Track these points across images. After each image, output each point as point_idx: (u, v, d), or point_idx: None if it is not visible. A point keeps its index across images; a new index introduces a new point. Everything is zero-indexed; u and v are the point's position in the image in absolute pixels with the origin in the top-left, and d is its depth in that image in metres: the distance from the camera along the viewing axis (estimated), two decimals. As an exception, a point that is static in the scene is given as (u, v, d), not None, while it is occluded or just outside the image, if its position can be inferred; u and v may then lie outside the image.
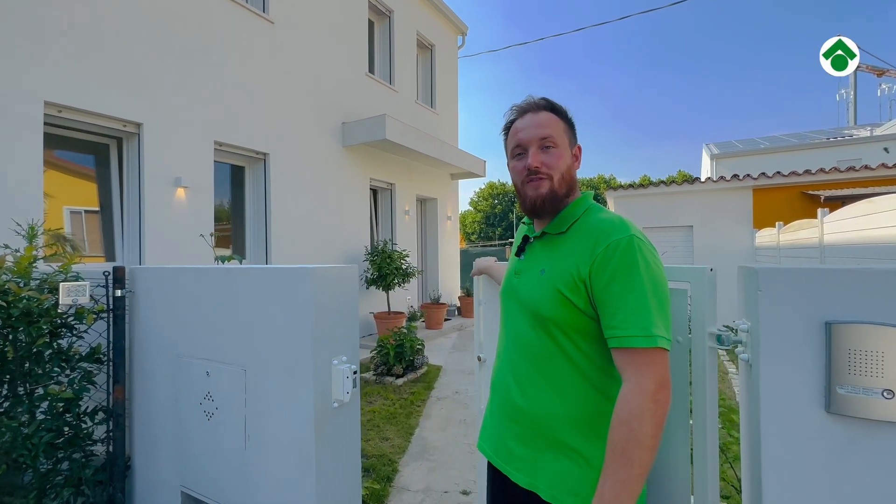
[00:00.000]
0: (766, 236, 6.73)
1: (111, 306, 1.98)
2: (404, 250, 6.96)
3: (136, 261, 4.25)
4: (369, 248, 7.00)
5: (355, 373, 1.59)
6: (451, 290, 9.51)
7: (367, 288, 6.75)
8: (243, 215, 5.60)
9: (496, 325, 1.27)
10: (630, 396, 0.83)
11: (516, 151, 1.07)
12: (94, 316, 1.94)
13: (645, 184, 8.52)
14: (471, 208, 46.46)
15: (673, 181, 8.25)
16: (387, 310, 6.80)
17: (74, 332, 1.96)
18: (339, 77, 6.67)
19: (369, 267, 6.62)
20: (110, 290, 1.97)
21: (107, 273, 1.97)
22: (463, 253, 16.23)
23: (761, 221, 7.55)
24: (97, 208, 4.34)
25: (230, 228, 5.60)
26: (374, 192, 7.85)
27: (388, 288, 6.57)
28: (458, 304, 9.25)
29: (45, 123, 3.70)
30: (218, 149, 5.00)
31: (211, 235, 3.00)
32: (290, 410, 1.53)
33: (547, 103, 1.08)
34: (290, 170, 5.80)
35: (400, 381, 4.88)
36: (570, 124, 1.09)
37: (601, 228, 0.95)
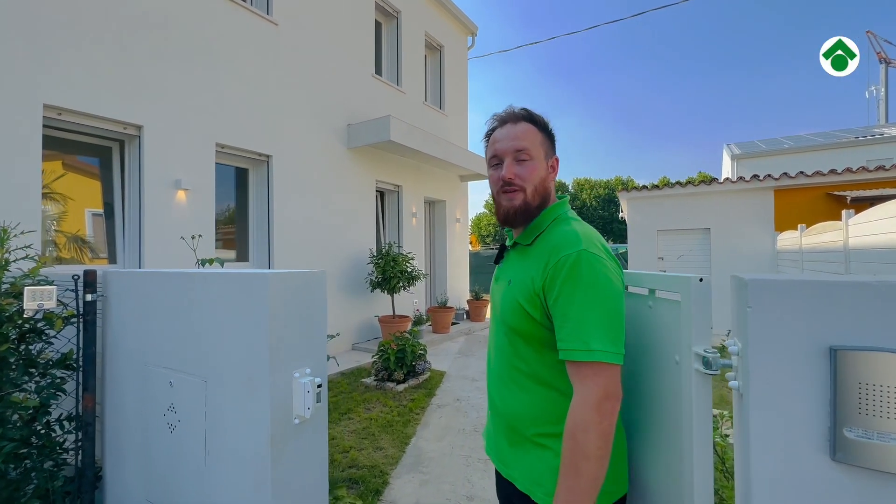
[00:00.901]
0: (787, 239, 6.42)
1: (81, 311, 1.92)
2: (410, 253, 6.86)
3: (135, 263, 4.25)
4: (375, 251, 6.92)
5: (320, 387, 1.48)
6: (459, 293, 9.37)
7: (372, 291, 6.67)
8: (247, 218, 5.58)
9: None
10: (576, 408, 0.87)
11: (493, 161, 1.10)
12: (63, 321, 1.88)
13: (660, 185, 8.25)
14: (486, 210, 46.25)
15: (690, 182, 7.96)
16: (391, 313, 6.71)
17: (44, 338, 1.90)
18: (344, 78, 6.62)
19: (373, 270, 6.54)
20: (80, 294, 1.91)
21: (76, 277, 1.91)
22: (474, 255, 16.09)
23: (783, 224, 7.22)
24: (101, 211, 4.35)
25: (234, 231, 5.59)
26: (381, 194, 7.78)
27: (392, 291, 6.47)
28: (467, 308, 9.10)
29: (45, 126, 3.71)
30: (220, 151, 4.98)
31: (193, 238, 2.93)
32: (247, 426, 1.42)
33: (526, 114, 1.09)
34: (293, 172, 5.76)
35: (401, 388, 4.76)
36: (548, 135, 1.10)
37: (555, 243, 0.97)
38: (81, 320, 1.92)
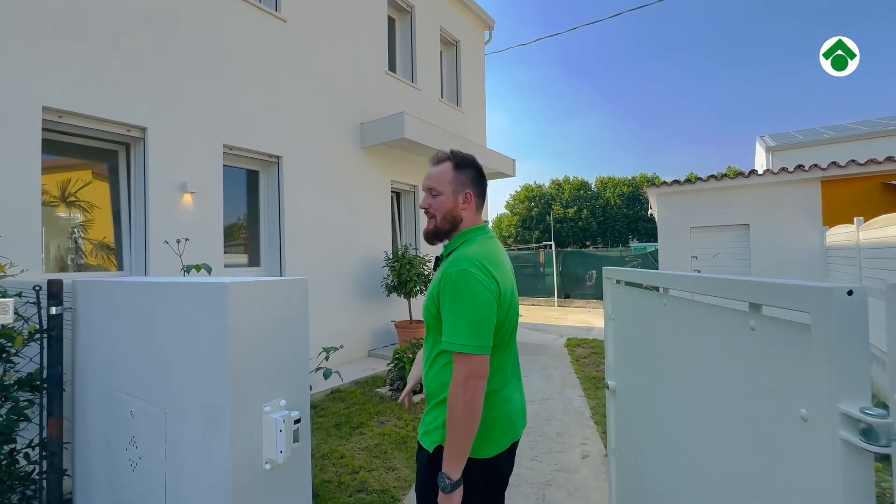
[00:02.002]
0: (840, 235, 5.84)
1: (44, 326, 1.70)
2: (427, 255, 6.58)
3: (141, 271, 4.10)
4: (391, 253, 6.68)
5: (298, 422, 1.20)
6: (480, 296, 9.03)
7: (388, 295, 6.42)
8: (258, 221, 5.41)
9: (630, 345, 1.35)
10: (451, 385, 1.17)
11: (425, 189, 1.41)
12: (25, 338, 1.66)
13: (692, 179, 7.72)
14: (507, 211, 45.69)
15: (726, 174, 7.41)
16: (408, 318, 6.44)
17: (3, 357, 1.69)
18: (356, 76, 6.41)
19: (389, 273, 6.28)
20: (43, 307, 1.69)
21: (38, 287, 1.69)
22: (496, 257, 15.75)
23: (832, 218, 6.61)
24: (110, 217, 4.24)
25: (245, 235, 5.43)
26: (397, 194, 7.53)
27: (409, 295, 6.20)
28: (488, 312, 8.76)
29: (45, 129, 3.59)
30: (228, 152, 4.82)
31: (179, 242, 2.71)
32: (207, 471, 1.15)
33: (449, 157, 1.39)
34: (305, 173, 5.57)
35: (417, 398, 4.47)
36: (465, 171, 1.38)
37: (451, 261, 1.25)
38: (46, 336, 1.70)
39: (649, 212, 10.07)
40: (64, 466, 1.80)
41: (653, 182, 7.92)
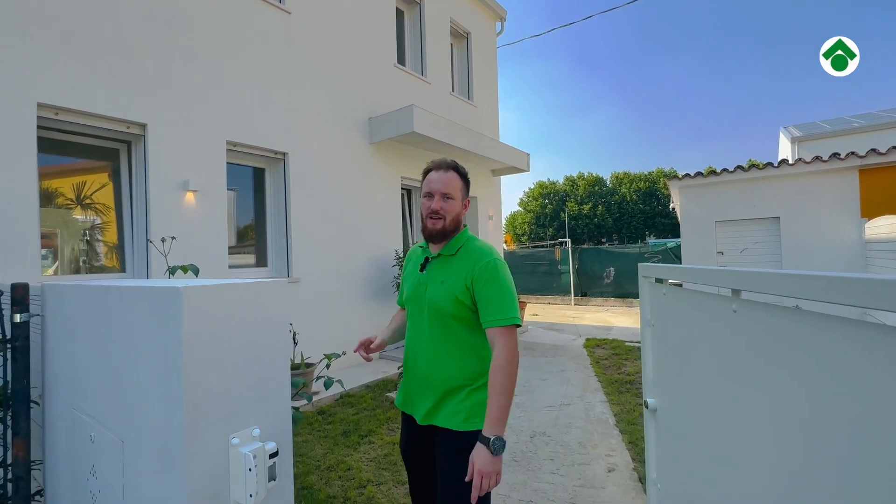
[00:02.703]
0: (882, 227, 5.42)
1: (7, 335, 1.52)
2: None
3: (143, 273, 3.97)
4: (401, 252, 6.47)
5: (275, 455, 0.98)
6: (494, 295, 8.77)
7: (399, 295, 6.21)
8: (265, 221, 5.26)
9: (678, 358, 1.23)
10: (502, 353, 1.36)
11: (427, 194, 1.54)
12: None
13: (717, 171, 7.33)
14: (520, 209, 45.17)
15: (753, 165, 7.00)
16: (421, 319, 6.22)
17: (-37, 370, 1.52)
18: (364, 69, 6.21)
19: (400, 273, 6.07)
20: (4, 314, 1.52)
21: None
22: (510, 255, 15.43)
23: (871, 209, 6.17)
24: (114, 217, 4.12)
25: (253, 235, 5.28)
26: (408, 191, 7.33)
27: (420, 295, 5.98)
28: (503, 311, 8.51)
29: (41, 127, 3.48)
30: (232, 149, 4.67)
31: (163, 241, 2.54)
32: (164, 519, 0.94)
33: (453, 165, 1.56)
34: (311, 170, 5.40)
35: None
36: (466, 182, 1.58)
37: (477, 254, 1.48)
38: (9, 347, 1.52)
39: (671, 206, 9.67)
40: (40, 486, 1.63)
41: (674, 175, 7.56)
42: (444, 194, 1.49)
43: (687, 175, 7.48)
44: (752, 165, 6.95)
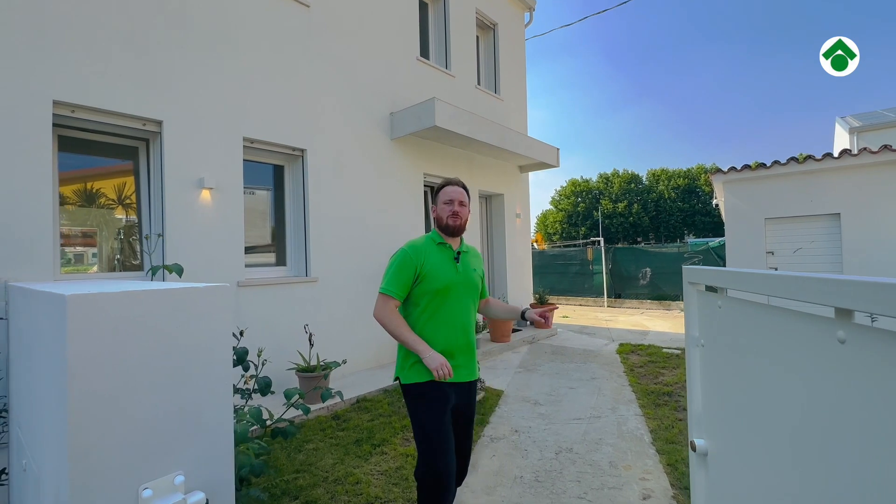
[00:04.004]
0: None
1: (-35, 341, 1.39)
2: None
3: (158, 274, 3.92)
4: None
5: (202, 510, 0.76)
6: (520, 296, 8.44)
7: (421, 296, 6.00)
8: (284, 219, 5.17)
9: (735, 388, 0.97)
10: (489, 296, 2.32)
11: (448, 201, 2.03)
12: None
13: (766, 164, 6.72)
14: (552, 207, 44.21)
15: (809, 157, 6.36)
16: (443, 321, 5.99)
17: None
18: (385, 63, 6.04)
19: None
20: (-38, 317, 1.39)
21: (-45, 294, 1.38)
22: (540, 255, 14.96)
23: (952, 204, 5.46)
24: (135, 217, 4.11)
25: (272, 234, 5.20)
26: (431, 188, 7.11)
27: (443, 296, 5.75)
28: (530, 313, 8.15)
29: (57, 125, 3.47)
30: (249, 146, 4.59)
31: (147, 238, 2.41)
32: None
33: (463, 184, 2.10)
34: (330, 166, 5.27)
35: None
36: (468, 196, 2.11)
37: (475, 251, 2.19)
38: (-33, 353, 1.39)
39: (714, 202, 9.03)
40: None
41: (717, 170, 6.98)
42: (461, 202, 2.02)
43: (733, 169, 6.90)
44: (809, 157, 6.32)
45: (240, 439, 1.29)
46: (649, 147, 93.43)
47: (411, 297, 1.96)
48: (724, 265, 10.16)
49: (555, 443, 3.43)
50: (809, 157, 6.35)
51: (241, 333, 2.25)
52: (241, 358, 1.94)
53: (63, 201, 3.73)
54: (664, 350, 6.33)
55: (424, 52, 6.98)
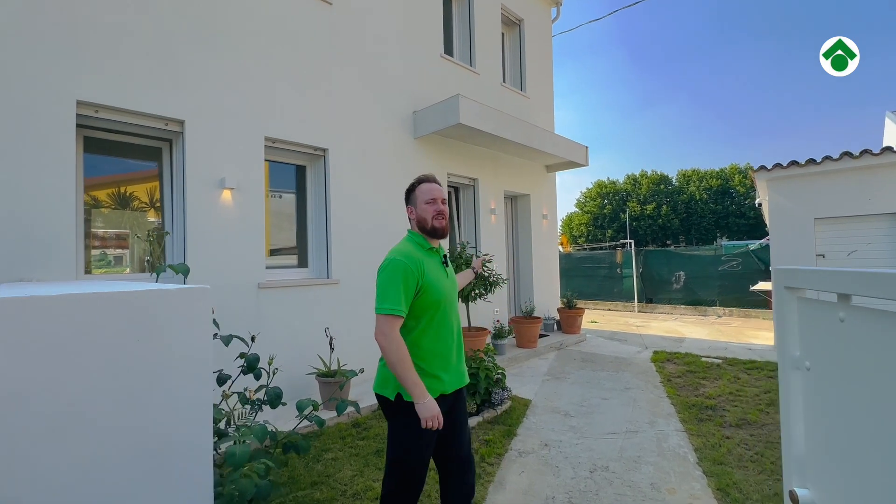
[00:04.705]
0: None
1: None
2: (487, 255, 5.88)
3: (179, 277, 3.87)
4: (448, 253, 6.08)
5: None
6: (547, 301, 8.15)
7: (444, 299, 5.82)
8: (306, 220, 5.09)
9: (858, 427, 0.78)
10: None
11: (428, 200, 1.89)
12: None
13: (815, 160, 6.24)
14: (577, 209, 43.34)
15: (865, 151, 5.86)
16: (467, 325, 5.79)
17: None
18: (409, 61, 5.91)
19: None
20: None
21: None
22: (565, 257, 14.56)
23: None
24: (158, 219, 4.10)
25: (294, 235, 5.13)
26: (455, 189, 6.93)
27: (466, 300, 5.56)
28: (557, 318, 7.86)
29: (81, 126, 3.47)
30: (270, 146, 4.52)
31: (150, 236, 2.30)
32: None
33: (437, 180, 1.98)
34: (352, 166, 5.16)
35: (473, 421, 3.82)
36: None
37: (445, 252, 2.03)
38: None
39: (756, 201, 8.51)
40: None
41: (761, 167, 6.55)
42: (444, 199, 1.89)
43: (778, 165, 6.44)
44: (865, 151, 5.82)
45: (242, 460, 1.15)
46: (679, 147, 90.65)
47: (410, 312, 1.72)
48: (767, 269, 9.56)
49: (588, 459, 3.18)
50: (865, 151, 5.85)
51: (253, 339, 2.13)
52: (251, 365, 1.80)
53: (93, 203, 3.74)
54: (703, 359, 5.94)
55: (448, 50, 6.83)
